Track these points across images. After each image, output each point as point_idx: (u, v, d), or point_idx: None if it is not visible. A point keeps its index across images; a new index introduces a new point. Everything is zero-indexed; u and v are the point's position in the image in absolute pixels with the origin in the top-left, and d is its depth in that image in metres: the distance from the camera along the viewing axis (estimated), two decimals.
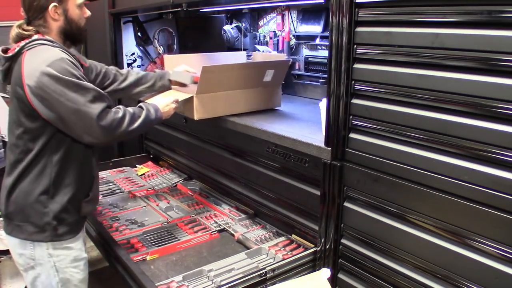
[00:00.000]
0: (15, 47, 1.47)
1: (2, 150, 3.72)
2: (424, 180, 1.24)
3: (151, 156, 3.03)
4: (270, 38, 2.63)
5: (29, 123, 1.45)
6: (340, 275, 1.59)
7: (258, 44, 2.74)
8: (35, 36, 1.48)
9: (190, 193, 2.45)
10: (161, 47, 3.12)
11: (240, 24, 2.86)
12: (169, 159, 2.81)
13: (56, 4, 1.48)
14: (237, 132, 1.92)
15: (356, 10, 1.32)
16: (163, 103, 1.75)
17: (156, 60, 3.12)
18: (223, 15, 3.03)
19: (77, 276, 1.60)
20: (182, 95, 1.90)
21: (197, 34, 3.13)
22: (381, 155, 1.35)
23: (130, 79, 1.95)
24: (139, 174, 2.79)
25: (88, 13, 1.61)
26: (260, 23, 2.77)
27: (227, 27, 2.86)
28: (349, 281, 1.55)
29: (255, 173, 1.96)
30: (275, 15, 2.61)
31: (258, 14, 2.78)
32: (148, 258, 1.78)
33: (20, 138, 1.48)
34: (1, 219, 1.64)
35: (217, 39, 2.97)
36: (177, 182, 2.63)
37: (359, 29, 1.34)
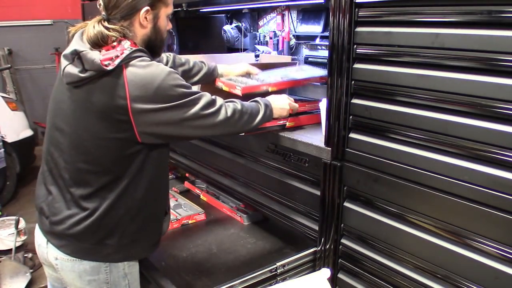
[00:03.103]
0: (108, 58, 1.19)
1: (3, 150, 3.71)
2: (424, 180, 1.24)
3: None
4: (270, 38, 2.63)
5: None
6: (340, 275, 1.59)
7: (258, 44, 2.74)
8: (127, 45, 1.22)
9: (198, 191, 2.54)
10: None
11: (240, 24, 2.86)
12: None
13: (149, 9, 1.26)
14: None
15: (356, 10, 1.32)
16: (280, 103, 1.60)
17: None
18: (223, 15, 3.02)
19: None
20: None
21: (197, 34, 3.13)
22: (381, 155, 1.35)
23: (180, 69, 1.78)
24: None
25: (170, 25, 1.41)
26: (260, 23, 2.77)
27: (227, 27, 2.86)
28: (349, 281, 1.55)
29: (254, 173, 1.95)
30: (275, 15, 2.61)
31: (258, 14, 2.78)
32: None
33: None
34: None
35: (217, 39, 2.97)
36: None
37: (359, 29, 1.33)
